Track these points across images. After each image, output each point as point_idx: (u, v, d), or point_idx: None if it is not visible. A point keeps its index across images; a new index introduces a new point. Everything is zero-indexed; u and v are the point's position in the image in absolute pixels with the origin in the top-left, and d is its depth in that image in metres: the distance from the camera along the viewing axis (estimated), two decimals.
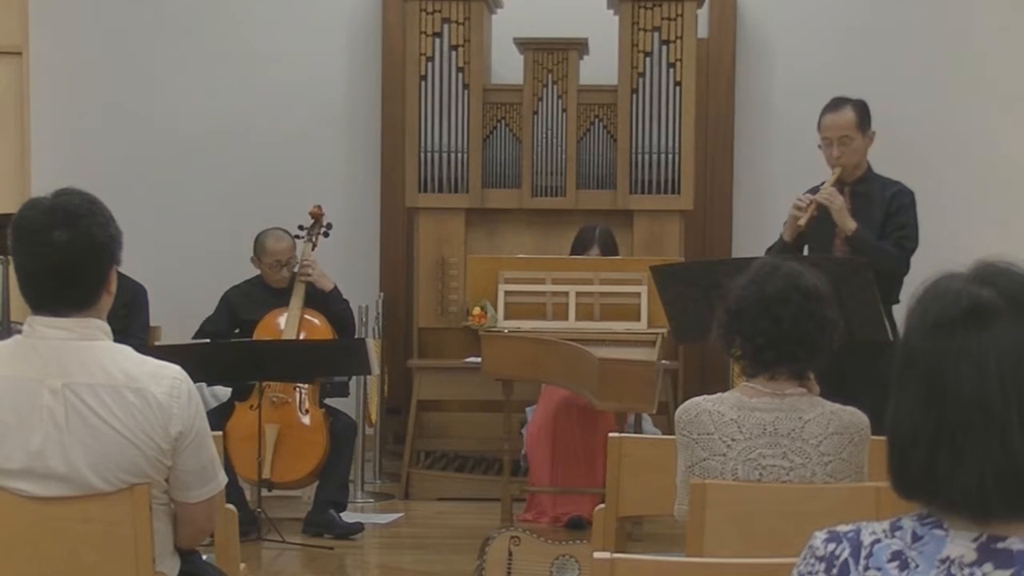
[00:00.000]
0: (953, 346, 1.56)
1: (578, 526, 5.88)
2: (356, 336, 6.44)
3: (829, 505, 2.97)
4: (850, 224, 5.12)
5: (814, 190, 5.28)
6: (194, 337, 6.23)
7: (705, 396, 3.18)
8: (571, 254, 6.50)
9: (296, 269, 6.31)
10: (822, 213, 5.14)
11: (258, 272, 6.35)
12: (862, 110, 5.28)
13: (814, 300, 3.08)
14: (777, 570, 2.35)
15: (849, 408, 3.14)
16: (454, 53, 6.98)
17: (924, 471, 1.57)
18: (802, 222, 5.11)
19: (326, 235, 6.49)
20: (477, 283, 6.29)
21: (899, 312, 4.43)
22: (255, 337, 6.14)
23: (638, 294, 6.09)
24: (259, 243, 6.30)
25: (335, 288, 6.34)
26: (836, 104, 5.28)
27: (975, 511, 1.55)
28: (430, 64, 6.99)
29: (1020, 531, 1.55)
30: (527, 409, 6.40)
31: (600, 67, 7.06)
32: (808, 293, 3.08)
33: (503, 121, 7.04)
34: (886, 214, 5.24)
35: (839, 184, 5.21)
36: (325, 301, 6.30)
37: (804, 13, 7.49)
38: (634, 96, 6.93)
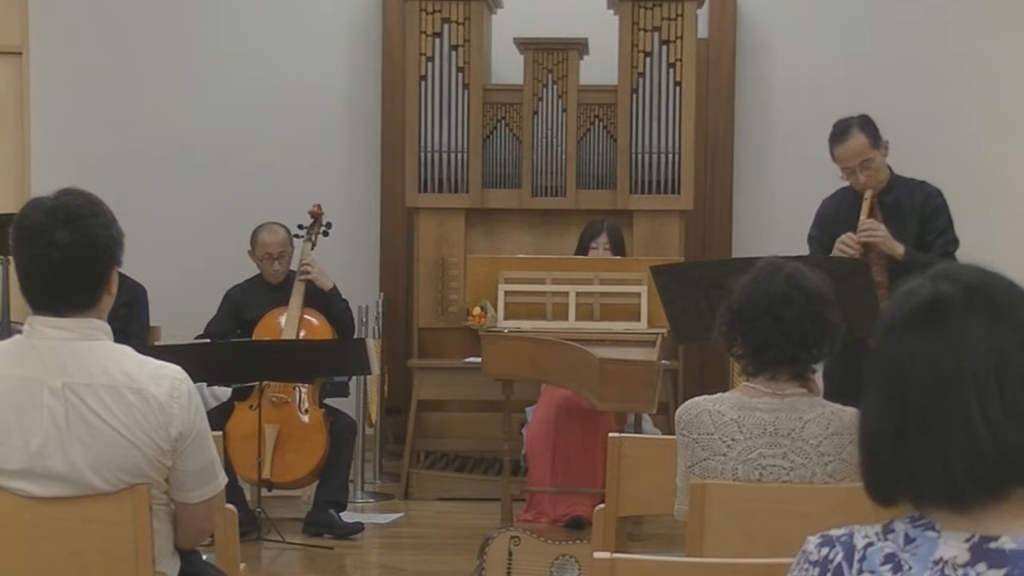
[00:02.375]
0: (909, 337, 1.59)
1: (578, 526, 5.88)
2: (356, 336, 6.45)
3: (829, 505, 2.97)
4: (898, 249, 5.05)
5: (840, 199, 5.22)
6: (198, 339, 6.24)
7: (705, 396, 3.18)
8: (578, 246, 6.51)
9: (297, 268, 6.33)
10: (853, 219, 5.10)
11: (258, 271, 6.37)
12: (869, 127, 5.14)
13: (816, 301, 3.08)
14: (777, 570, 2.35)
15: (849, 409, 3.14)
16: (454, 53, 6.98)
17: (893, 463, 1.59)
18: None
19: (326, 234, 6.49)
20: (477, 283, 6.28)
21: None
22: (255, 336, 6.15)
23: (638, 294, 6.09)
24: (253, 236, 6.35)
25: (334, 287, 6.34)
26: (843, 132, 5.13)
27: (947, 495, 1.56)
28: (430, 64, 6.99)
29: (1012, 529, 1.56)
30: (527, 409, 6.40)
31: (600, 67, 7.05)
32: (810, 294, 3.08)
33: (503, 121, 7.04)
34: (921, 220, 5.16)
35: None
36: (325, 301, 6.31)
37: (804, 13, 7.49)
38: (634, 96, 6.93)
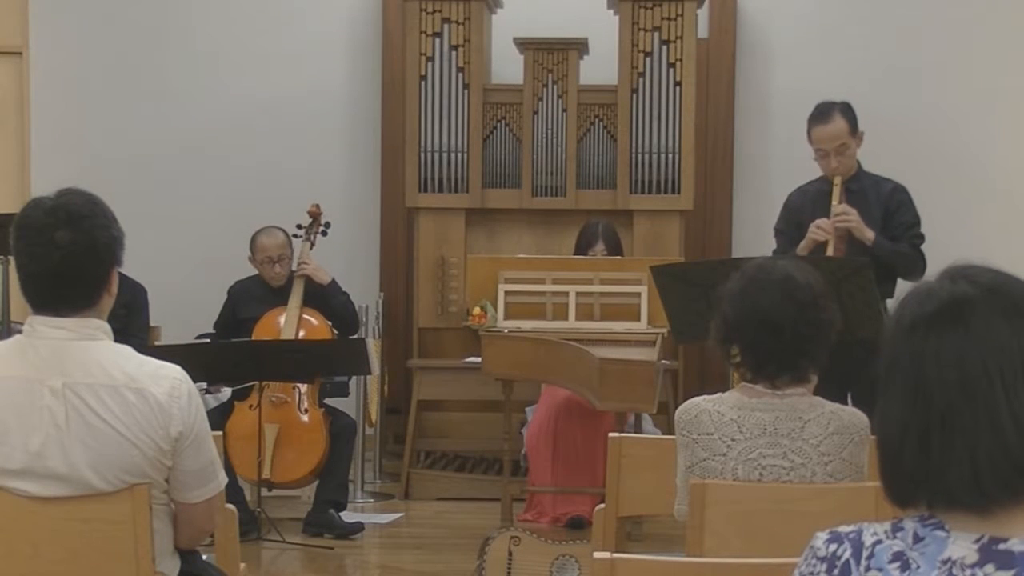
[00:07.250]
0: (932, 339, 1.58)
1: (578, 526, 5.88)
2: (359, 328, 6.46)
3: (829, 505, 2.97)
4: (868, 234, 5.11)
5: (806, 190, 5.29)
6: (199, 337, 6.26)
7: (705, 396, 3.17)
8: (575, 251, 6.51)
9: (295, 268, 6.33)
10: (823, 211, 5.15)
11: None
12: (850, 114, 5.23)
13: (810, 308, 3.04)
14: (777, 570, 2.35)
15: (849, 408, 3.14)
16: (454, 53, 6.98)
17: (917, 465, 1.58)
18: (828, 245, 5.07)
19: (324, 234, 6.49)
20: (477, 283, 6.28)
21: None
22: (254, 336, 6.15)
23: (638, 294, 6.09)
24: (252, 241, 6.35)
25: (333, 281, 6.35)
26: (824, 114, 5.22)
27: (973, 496, 1.55)
28: (430, 64, 6.99)
29: (1021, 530, 1.55)
30: (527, 409, 6.40)
31: (600, 67, 7.05)
32: (803, 303, 3.03)
33: (503, 121, 7.04)
34: (885, 212, 5.23)
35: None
36: (325, 297, 6.31)
37: (804, 13, 7.49)
38: (634, 96, 6.93)
